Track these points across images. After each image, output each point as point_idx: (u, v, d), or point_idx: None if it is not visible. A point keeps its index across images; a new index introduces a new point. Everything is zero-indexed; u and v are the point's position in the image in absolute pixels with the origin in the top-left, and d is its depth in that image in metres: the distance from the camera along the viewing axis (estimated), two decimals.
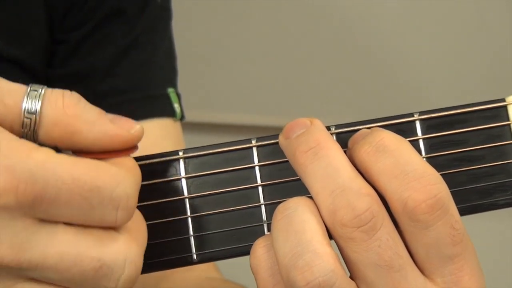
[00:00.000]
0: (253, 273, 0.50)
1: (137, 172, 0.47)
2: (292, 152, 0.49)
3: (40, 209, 0.43)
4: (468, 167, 0.51)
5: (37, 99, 0.45)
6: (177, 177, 0.52)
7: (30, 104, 0.45)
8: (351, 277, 0.48)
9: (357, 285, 0.48)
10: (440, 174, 0.50)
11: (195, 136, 1.53)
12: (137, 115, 0.80)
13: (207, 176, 0.52)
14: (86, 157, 0.46)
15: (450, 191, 0.48)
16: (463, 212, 0.50)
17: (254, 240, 0.51)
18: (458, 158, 0.51)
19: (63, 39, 0.79)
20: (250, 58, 1.58)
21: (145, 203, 0.52)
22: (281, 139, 0.51)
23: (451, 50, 1.61)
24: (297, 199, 0.49)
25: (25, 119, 0.45)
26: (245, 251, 0.52)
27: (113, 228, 0.46)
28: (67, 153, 0.46)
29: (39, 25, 0.77)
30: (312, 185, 0.48)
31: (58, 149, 0.46)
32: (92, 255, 0.44)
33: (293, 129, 0.50)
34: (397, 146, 0.48)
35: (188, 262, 0.52)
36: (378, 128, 0.50)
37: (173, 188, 0.52)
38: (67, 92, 0.46)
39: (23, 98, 0.45)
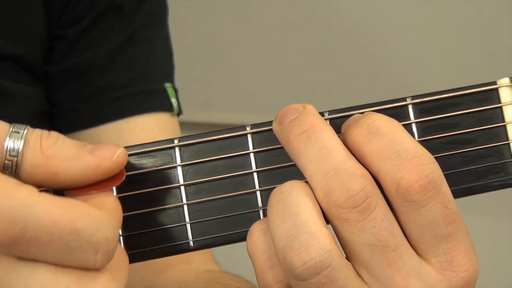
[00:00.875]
0: (250, 257, 0.50)
1: (118, 214, 0.47)
2: (285, 136, 0.50)
3: (19, 248, 0.43)
4: (461, 149, 0.51)
5: (19, 140, 0.46)
6: (173, 165, 0.52)
7: (12, 145, 0.45)
8: (347, 258, 0.49)
9: (352, 266, 0.48)
10: (434, 157, 0.50)
11: None
12: (135, 109, 0.81)
13: (203, 164, 0.53)
14: (74, 193, 0.47)
15: (444, 174, 0.49)
16: (457, 194, 0.50)
17: (250, 226, 0.51)
18: (451, 141, 0.51)
19: (61, 35, 0.80)
20: (249, 58, 1.58)
21: (141, 191, 0.52)
22: (274, 125, 0.51)
23: (446, 41, 1.62)
24: (291, 182, 0.49)
25: (6, 161, 0.45)
26: (242, 237, 0.52)
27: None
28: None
29: (38, 21, 0.78)
30: (306, 168, 0.48)
31: None
32: None
33: (286, 115, 0.50)
34: (389, 128, 0.48)
35: (185, 249, 0.53)
36: (370, 112, 0.51)
37: (169, 176, 0.53)
38: (45, 133, 0.46)
39: (6, 139, 0.45)
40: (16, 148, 0.45)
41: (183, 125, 0.88)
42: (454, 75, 1.61)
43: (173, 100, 0.82)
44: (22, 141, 0.45)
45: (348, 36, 1.59)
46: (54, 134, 0.47)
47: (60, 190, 0.48)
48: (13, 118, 0.76)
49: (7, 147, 0.45)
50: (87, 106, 0.80)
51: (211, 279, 0.76)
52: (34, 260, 0.44)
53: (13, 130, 0.46)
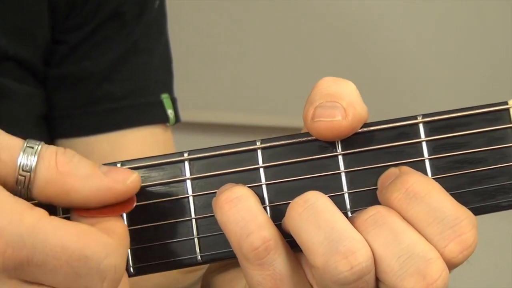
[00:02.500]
0: (222, 228, 0.50)
1: (126, 240, 0.47)
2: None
3: (26, 272, 0.43)
4: (470, 169, 0.51)
5: (33, 155, 0.45)
6: (182, 178, 0.52)
7: (26, 160, 0.45)
8: None
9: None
10: (443, 177, 0.51)
11: (195, 136, 1.53)
12: (130, 122, 0.81)
13: (212, 178, 0.53)
14: (82, 213, 0.47)
15: (453, 193, 0.50)
16: None
17: None
18: (460, 160, 0.51)
19: (63, 39, 0.80)
20: (250, 58, 1.58)
21: (150, 202, 0.52)
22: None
23: (454, 53, 1.62)
24: (313, 192, 0.49)
25: (19, 177, 0.45)
26: None
27: None
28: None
29: (43, 25, 0.78)
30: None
31: None
32: None
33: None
34: (427, 192, 0.48)
35: (193, 263, 0.53)
36: (406, 169, 0.50)
37: (178, 189, 0.53)
38: (60, 150, 0.46)
39: (19, 154, 0.45)
40: (29, 163, 0.45)
41: (183, 125, 0.88)
42: (461, 81, 1.61)
43: (170, 111, 0.83)
44: (36, 157, 0.45)
45: (352, 38, 1.59)
46: (70, 152, 0.47)
47: (68, 208, 0.48)
48: (17, 118, 0.76)
49: (20, 162, 0.45)
50: (83, 114, 0.80)
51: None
52: (40, 284, 0.44)
53: (27, 145, 0.46)
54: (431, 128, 0.51)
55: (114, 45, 0.81)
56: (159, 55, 0.84)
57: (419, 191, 0.48)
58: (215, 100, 1.58)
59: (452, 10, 1.59)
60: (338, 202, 0.51)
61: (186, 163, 0.53)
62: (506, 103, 0.51)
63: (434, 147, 0.51)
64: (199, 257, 0.52)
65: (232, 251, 0.51)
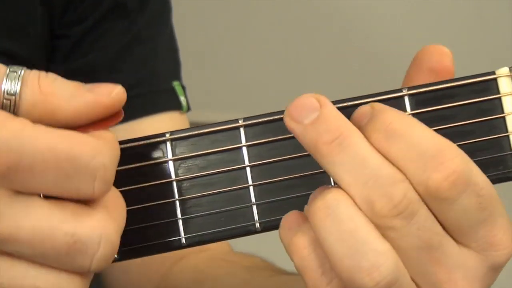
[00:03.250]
0: (300, 274, 0.48)
1: (116, 145, 0.47)
2: (312, 142, 0.47)
3: (15, 179, 0.43)
4: (458, 142, 0.50)
5: (17, 80, 0.45)
6: (164, 159, 0.51)
7: (10, 85, 0.45)
8: None
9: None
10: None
11: None
12: (145, 110, 0.81)
13: (195, 158, 0.52)
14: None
15: None
16: None
17: (243, 222, 0.50)
18: (448, 134, 0.50)
19: (64, 34, 0.80)
20: (252, 58, 1.58)
21: (132, 186, 0.51)
22: (289, 123, 0.48)
23: (446, 35, 1.61)
24: (333, 194, 0.47)
25: (4, 101, 0.45)
26: (235, 234, 0.51)
27: (90, 202, 0.45)
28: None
29: (35, 20, 0.77)
30: (341, 177, 0.46)
31: None
32: (65, 230, 0.44)
33: (302, 112, 0.48)
34: (406, 128, 0.46)
35: (177, 246, 0.52)
36: (380, 107, 0.48)
37: (160, 171, 0.52)
38: (43, 73, 0.46)
39: (3, 80, 0.45)
40: (13, 88, 0.45)
41: None
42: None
43: (182, 98, 0.83)
44: (20, 82, 0.45)
45: (348, 36, 1.59)
46: (52, 74, 0.46)
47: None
48: None
49: (4, 88, 0.45)
50: None
51: (220, 259, 0.76)
52: (31, 195, 0.44)
53: (10, 71, 0.45)
54: (417, 101, 0.50)
55: (118, 36, 0.80)
56: (165, 44, 0.84)
57: (398, 128, 0.46)
58: (215, 100, 1.58)
59: None
60: (323, 181, 0.50)
61: (168, 144, 0.52)
62: (493, 73, 0.50)
63: (420, 120, 0.50)
64: (183, 240, 0.51)
65: (217, 233, 0.51)
